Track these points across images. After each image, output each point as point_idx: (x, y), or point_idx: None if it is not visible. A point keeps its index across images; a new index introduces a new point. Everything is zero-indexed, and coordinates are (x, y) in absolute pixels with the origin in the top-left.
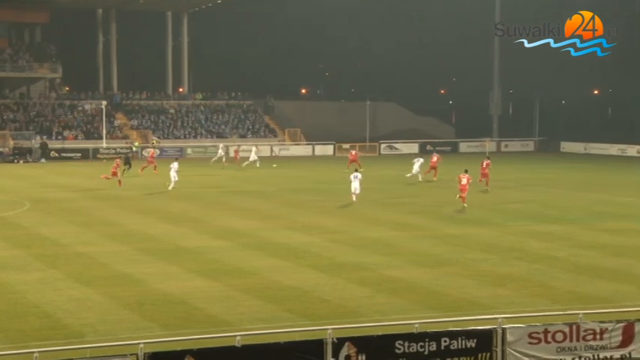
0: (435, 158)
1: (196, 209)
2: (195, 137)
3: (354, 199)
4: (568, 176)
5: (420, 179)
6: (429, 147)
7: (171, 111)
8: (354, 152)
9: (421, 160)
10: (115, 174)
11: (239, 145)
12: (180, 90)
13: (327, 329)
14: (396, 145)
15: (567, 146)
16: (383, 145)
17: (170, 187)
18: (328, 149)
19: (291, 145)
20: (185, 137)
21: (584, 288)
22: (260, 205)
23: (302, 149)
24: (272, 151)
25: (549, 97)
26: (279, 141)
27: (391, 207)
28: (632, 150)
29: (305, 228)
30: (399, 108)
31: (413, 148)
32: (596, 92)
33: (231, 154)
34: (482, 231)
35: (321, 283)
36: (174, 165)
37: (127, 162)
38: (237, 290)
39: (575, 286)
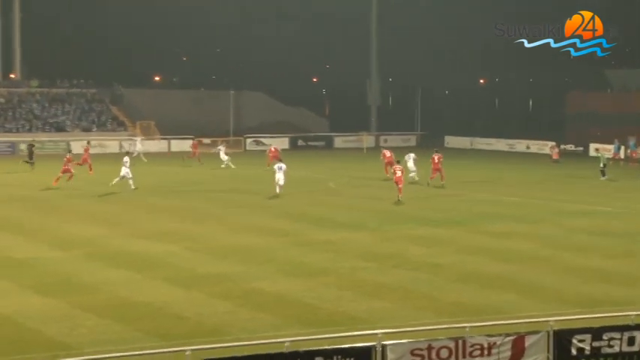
0: (436, 158)
1: (30, 214)
2: (29, 130)
3: (277, 190)
4: (452, 174)
5: (416, 179)
6: (300, 142)
7: (1, 100)
8: (273, 148)
9: (412, 155)
10: (67, 171)
11: (196, 138)
12: (12, 76)
13: (184, 350)
14: (263, 140)
15: (452, 141)
16: (249, 140)
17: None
18: (186, 144)
19: (143, 140)
20: (17, 131)
21: (470, 298)
22: (109, 209)
23: (156, 145)
24: (121, 147)
25: (433, 87)
26: (129, 135)
27: (259, 210)
28: (520, 145)
29: (162, 235)
30: (266, 98)
31: (283, 143)
32: (481, 82)
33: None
34: (357, 235)
35: (178, 298)
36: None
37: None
38: (79, 308)
39: (461, 296)
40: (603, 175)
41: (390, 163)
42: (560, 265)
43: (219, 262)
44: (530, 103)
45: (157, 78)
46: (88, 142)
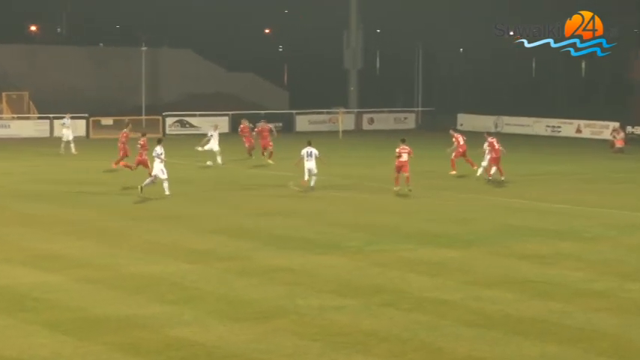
0: (495, 144)
1: None
2: None
3: (311, 184)
4: (467, 168)
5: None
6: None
7: None
8: (243, 125)
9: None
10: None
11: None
12: None
13: None
14: (191, 121)
15: (469, 121)
16: (170, 121)
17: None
18: (78, 127)
19: (13, 119)
20: None
21: (491, 351)
22: None
23: (32, 127)
24: None
25: (440, 45)
26: None
27: (185, 222)
28: (568, 128)
29: (40, 260)
30: (196, 58)
31: (223, 124)
32: (511, 35)
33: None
34: (330, 260)
35: (63, 354)
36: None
37: None
38: None
39: (477, 348)
40: None
41: (464, 154)
42: (623, 302)
43: (127, 298)
44: (583, 66)
45: (33, 28)
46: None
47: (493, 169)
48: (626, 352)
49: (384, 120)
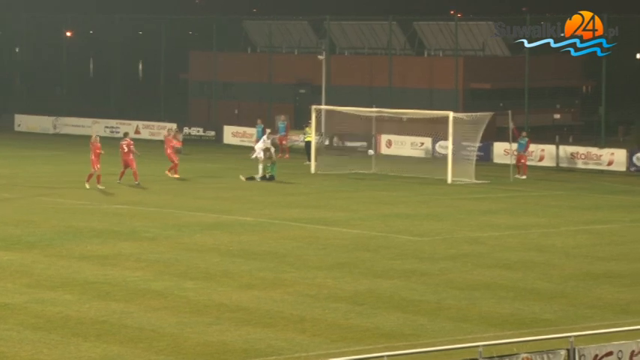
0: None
1: None
2: None
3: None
4: (26, 170)
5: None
6: None
7: None
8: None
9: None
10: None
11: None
12: None
13: None
14: None
15: (26, 122)
16: None
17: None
18: None
19: None
20: None
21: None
22: None
23: None
24: None
25: None
26: None
27: None
28: (128, 129)
29: None
30: None
31: None
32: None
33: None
34: None
35: None
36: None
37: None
38: None
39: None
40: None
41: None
42: (179, 301)
43: None
44: (140, 67)
45: None
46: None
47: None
48: (182, 349)
49: None
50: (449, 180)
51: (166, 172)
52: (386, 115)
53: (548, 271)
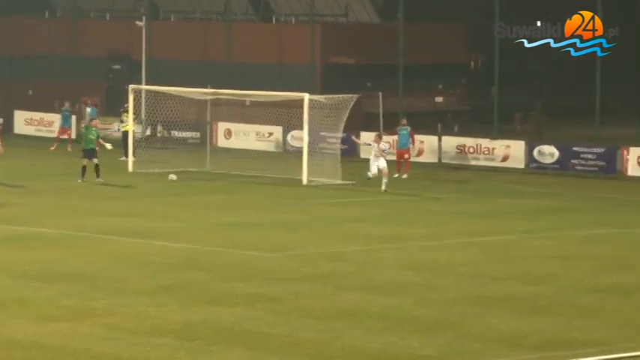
0: None
1: None
2: None
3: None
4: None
5: None
6: None
7: None
8: None
9: None
10: None
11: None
12: None
13: None
14: None
15: None
16: None
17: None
18: None
19: None
20: None
21: None
22: None
23: None
24: None
25: None
26: None
27: None
28: None
29: None
30: None
31: None
32: None
33: None
34: None
35: None
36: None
37: None
38: None
39: None
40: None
41: None
42: None
43: None
44: None
45: None
46: None
47: None
48: None
49: None
50: (304, 180)
51: None
52: (224, 97)
53: (429, 295)
